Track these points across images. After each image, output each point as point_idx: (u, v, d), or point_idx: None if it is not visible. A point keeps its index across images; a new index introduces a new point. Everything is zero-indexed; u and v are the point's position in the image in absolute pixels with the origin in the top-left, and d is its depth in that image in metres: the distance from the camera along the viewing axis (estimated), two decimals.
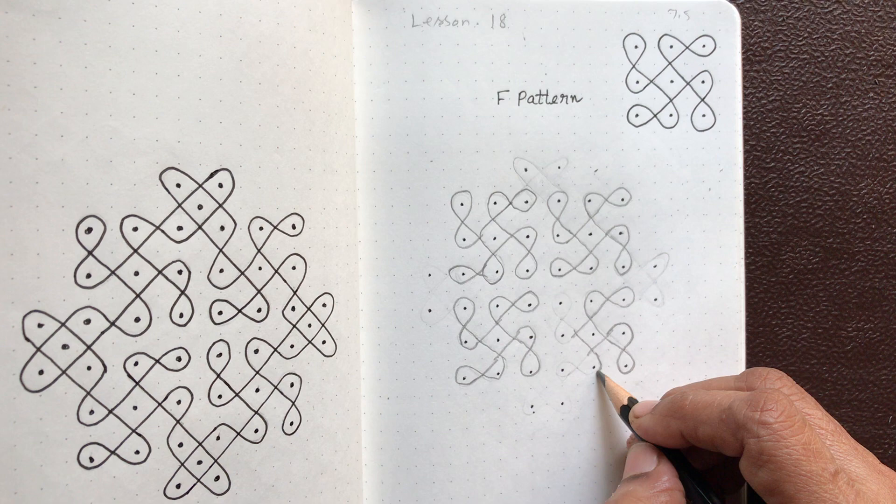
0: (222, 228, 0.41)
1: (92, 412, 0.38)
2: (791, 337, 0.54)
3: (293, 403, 0.44)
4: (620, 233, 0.49)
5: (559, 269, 0.49)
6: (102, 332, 0.38)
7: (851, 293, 0.55)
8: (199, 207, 0.40)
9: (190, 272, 0.40)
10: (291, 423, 0.43)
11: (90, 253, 0.38)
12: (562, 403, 0.49)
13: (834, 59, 0.54)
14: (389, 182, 0.47)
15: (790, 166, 0.54)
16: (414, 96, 0.47)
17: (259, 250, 0.42)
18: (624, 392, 0.48)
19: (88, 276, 0.38)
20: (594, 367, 0.50)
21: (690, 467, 0.43)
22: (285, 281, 0.43)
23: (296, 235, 0.43)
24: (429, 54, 0.47)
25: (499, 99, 0.48)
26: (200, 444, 0.41)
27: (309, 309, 0.44)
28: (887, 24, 0.54)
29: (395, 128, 0.47)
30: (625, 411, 0.47)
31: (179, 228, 0.40)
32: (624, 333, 0.50)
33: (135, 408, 0.39)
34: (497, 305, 0.48)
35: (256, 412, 0.42)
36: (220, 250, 0.41)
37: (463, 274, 0.48)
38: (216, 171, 0.41)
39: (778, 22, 0.54)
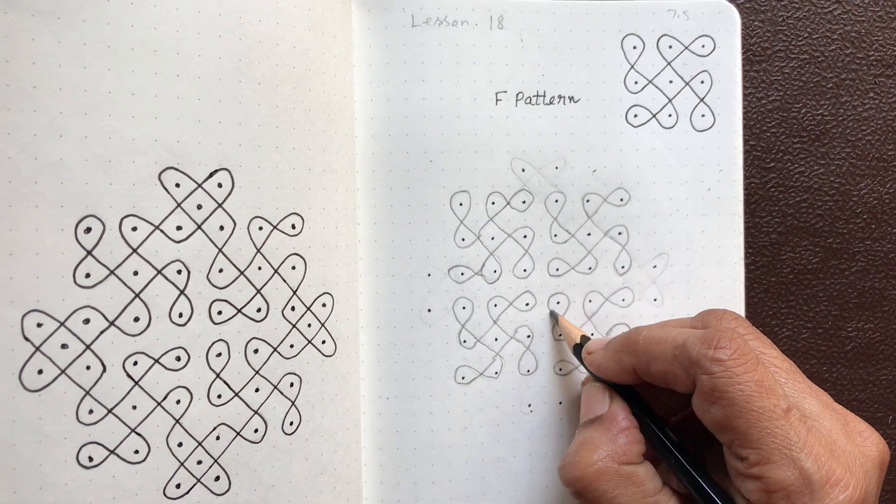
0: (222, 228, 0.41)
1: (91, 412, 0.38)
2: (791, 337, 0.55)
3: (293, 403, 0.44)
4: (619, 233, 0.50)
5: (557, 269, 0.49)
6: (102, 332, 0.39)
7: (851, 293, 0.55)
8: (199, 207, 0.41)
9: (189, 272, 0.41)
10: (291, 423, 0.44)
11: (89, 253, 0.38)
12: (560, 403, 0.49)
13: (834, 59, 0.54)
14: (389, 182, 0.47)
15: (790, 166, 0.54)
16: (413, 96, 0.47)
17: (259, 250, 0.42)
18: (577, 330, 0.48)
19: (88, 275, 0.38)
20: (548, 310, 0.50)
21: (642, 402, 0.43)
22: (285, 281, 0.43)
23: (295, 235, 0.43)
24: (428, 54, 0.47)
25: (496, 99, 0.48)
26: (200, 443, 0.41)
27: (309, 309, 0.44)
28: (887, 24, 0.55)
29: (395, 128, 0.47)
30: (578, 350, 0.46)
31: (179, 228, 0.40)
32: None
33: (134, 407, 0.39)
34: (495, 305, 0.49)
35: (256, 412, 0.43)
36: (220, 250, 0.41)
37: (462, 274, 0.48)
38: (215, 171, 0.41)
39: (778, 22, 0.54)
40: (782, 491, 0.35)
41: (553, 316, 0.50)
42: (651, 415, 0.42)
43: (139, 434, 0.40)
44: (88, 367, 0.38)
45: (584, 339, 0.47)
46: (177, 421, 0.41)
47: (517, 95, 0.48)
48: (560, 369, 0.49)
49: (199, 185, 0.41)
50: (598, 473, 0.39)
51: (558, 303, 0.49)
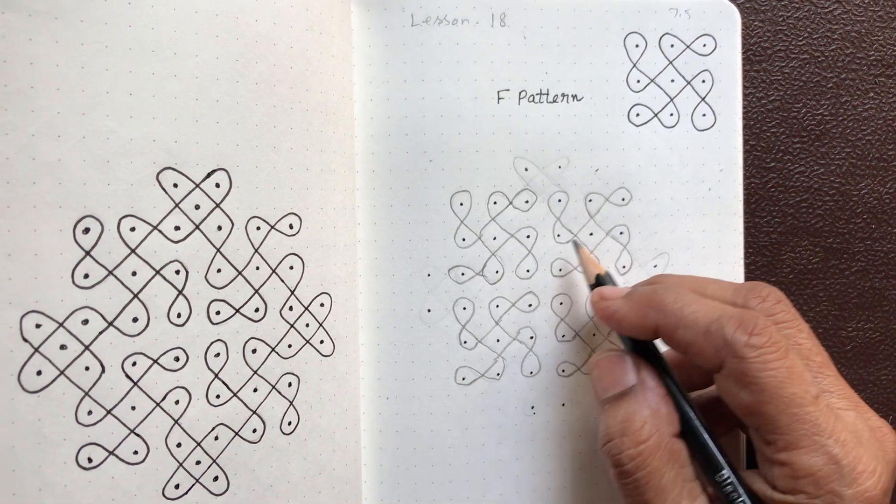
0: (220, 228, 0.41)
1: (90, 412, 0.38)
2: None
3: (291, 403, 0.43)
4: (621, 233, 0.49)
5: (560, 270, 0.49)
6: (100, 333, 0.38)
7: (851, 293, 0.55)
8: (197, 207, 0.40)
9: (187, 272, 0.40)
10: (289, 423, 0.43)
11: (88, 253, 0.38)
12: (563, 405, 0.49)
13: (834, 59, 0.54)
14: (389, 182, 0.47)
15: (790, 166, 0.54)
16: (413, 96, 0.47)
17: (256, 250, 0.42)
18: (598, 266, 0.46)
19: (86, 276, 0.38)
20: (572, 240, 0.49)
21: (665, 366, 0.41)
22: (283, 281, 0.43)
23: (293, 235, 0.43)
24: (428, 54, 0.47)
25: (499, 98, 0.47)
26: (199, 444, 0.41)
27: (307, 309, 0.44)
28: (887, 24, 0.54)
29: (395, 127, 0.47)
30: (595, 287, 0.45)
31: (177, 228, 0.40)
32: None
33: (133, 408, 0.39)
34: (497, 306, 0.48)
35: (254, 412, 0.42)
36: (218, 250, 0.41)
37: (462, 274, 0.48)
38: (213, 171, 0.41)
39: (778, 22, 0.53)
40: (809, 477, 0.34)
41: (575, 245, 0.48)
42: (676, 384, 0.41)
43: (138, 435, 0.39)
44: (87, 368, 0.38)
45: (607, 277, 0.45)
46: (176, 421, 0.40)
47: (520, 94, 0.48)
48: (563, 371, 0.49)
49: (197, 186, 0.40)
50: (652, 450, 0.38)
51: (561, 303, 0.49)
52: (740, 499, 0.37)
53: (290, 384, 0.43)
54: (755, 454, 0.38)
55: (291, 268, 0.43)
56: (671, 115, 0.49)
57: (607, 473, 0.40)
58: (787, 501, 0.35)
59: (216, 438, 0.41)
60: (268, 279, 0.42)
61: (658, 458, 0.38)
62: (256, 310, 0.42)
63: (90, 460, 0.38)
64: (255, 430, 0.42)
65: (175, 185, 0.40)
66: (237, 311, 0.42)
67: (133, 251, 0.39)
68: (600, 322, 0.44)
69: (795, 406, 0.35)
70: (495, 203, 0.48)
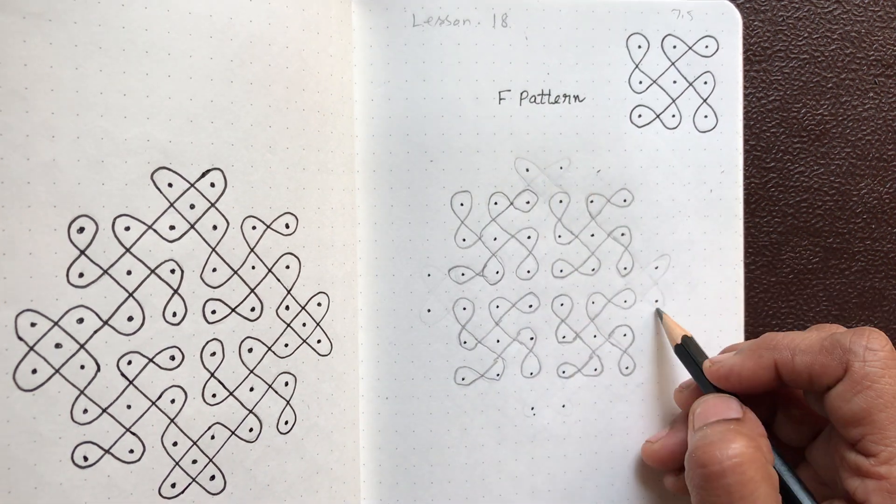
0: (215, 228, 0.40)
1: (86, 411, 0.37)
2: None
3: (287, 402, 0.42)
4: (623, 234, 0.48)
5: (560, 271, 0.47)
6: (95, 332, 0.37)
7: (851, 293, 0.53)
8: (192, 207, 0.39)
9: (183, 271, 0.39)
10: (286, 423, 0.42)
11: (83, 252, 0.37)
12: (563, 406, 0.47)
13: (834, 59, 0.52)
14: (389, 182, 0.46)
15: (790, 166, 0.52)
16: (414, 96, 0.46)
17: (252, 249, 0.41)
18: (680, 329, 0.46)
19: (81, 275, 0.37)
20: (656, 301, 0.48)
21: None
22: (279, 280, 0.42)
23: (289, 235, 0.42)
24: (430, 54, 0.46)
25: (500, 99, 0.46)
26: (195, 443, 0.40)
27: (303, 308, 0.43)
28: (887, 24, 0.53)
29: (396, 127, 0.46)
30: (680, 350, 0.44)
31: (172, 228, 0.39)
32: (625, 335, 0.48)
33: (129, 407, 0.38)
34: (497, 306, 0.47)
35: (251, 411, 0.41)
36: (213, 249, 0.40)
37: (462, 274, 0.46)
38: (208, 171, 0.40)
39: (778, 22, 0.52)
40: None
41: (658, 313, 0.48)
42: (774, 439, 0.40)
43: (134, 433, 0.38)
44: (82, 367, 0.37)
45: (687, 339, 0.45)
46: (171, 420, 0.39)
47: (521, 94, 0.46)
48: (563, 372, 0.47)
49: (192, 185, 0.39)
50: (751, 459, 0.36)
51: (562, 304, 0.47)
52: None
53: (286, 383, 0.42)
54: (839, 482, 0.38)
55: (288, 267, 0.42)
56: (673, 116, 0.48)
57: (691, 481, 0.38)
58: None
59: (212, 437, 0.40)
60: (263, 278, 0.41)
61: (755, 471, 0.36)
62: (252, 309, 0.41)
63: (86, 459, 0.37)
64: (251, 430, 0.41)
65: (170, 185, 0.39)
66: (233, 310, 0.41)
67: (128, 250, 0.38)
68: (719, 384, 0.42)
69: None
70: (496, 203, 0.46)
